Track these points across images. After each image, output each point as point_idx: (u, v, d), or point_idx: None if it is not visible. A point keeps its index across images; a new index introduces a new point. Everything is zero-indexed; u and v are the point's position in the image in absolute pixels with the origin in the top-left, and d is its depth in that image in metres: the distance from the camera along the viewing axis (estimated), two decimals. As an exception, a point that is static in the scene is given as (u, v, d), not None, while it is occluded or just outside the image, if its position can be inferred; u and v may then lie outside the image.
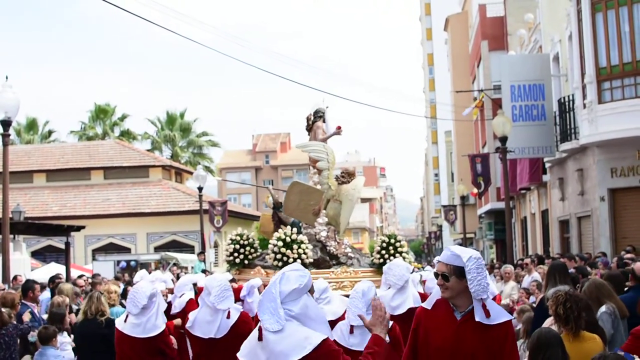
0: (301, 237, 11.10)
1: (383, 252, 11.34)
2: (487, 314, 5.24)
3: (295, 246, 10.90)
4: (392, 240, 11.50)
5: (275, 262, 10.99)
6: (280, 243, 10.98)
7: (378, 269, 11.19)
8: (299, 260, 10.72)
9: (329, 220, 11.55)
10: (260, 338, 4.91)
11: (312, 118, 12.14)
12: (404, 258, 11.12)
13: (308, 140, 12.17)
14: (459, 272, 5.28)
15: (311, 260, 10.96)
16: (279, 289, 4.92)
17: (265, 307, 4.89)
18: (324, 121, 11.98)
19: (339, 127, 11.83)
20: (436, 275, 5.46)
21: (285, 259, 10.83)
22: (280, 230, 11.27)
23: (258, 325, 5.02)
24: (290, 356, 4.78)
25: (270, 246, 11.22)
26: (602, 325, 8.11)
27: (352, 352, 7.50)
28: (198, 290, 12.35)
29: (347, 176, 11.49)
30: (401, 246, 11.47)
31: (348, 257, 11.53)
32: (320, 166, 11.69)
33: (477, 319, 5.24)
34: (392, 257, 11.16)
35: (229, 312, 8.03)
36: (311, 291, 5.18)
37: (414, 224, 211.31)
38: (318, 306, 5.32)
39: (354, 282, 10.74)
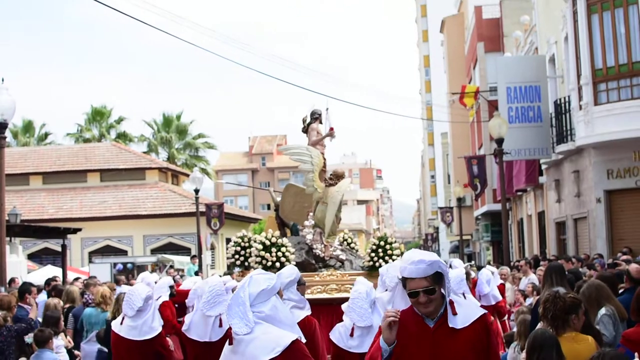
0: (283, 240, 11.07)
1: (373, 254, 11.25)
2: (454, 311, 4.90)
3: (274, 249, 10.88)
4: (382, 243, 11.37)
5: (256, 265, 11.02)
6: (260, 246, 10.99)
7: (369, 271, 11.11)
8: (277, 264, 10.73)
9: (316, 223, 11.49)
10: (230, 342, 4.88)
11: (308, 120, 12.13)
12: (393, 260, 11.02)
13: (307, 141, 12.16)
14: (439, 279, 4.88)
15: (294, 263, 10.92)
16: (248, 292, 4.89)
17: (234, 311, 4.85)
18: (320, 123, 11.96)
19: (332, 129, 11.83)
20: (414, 294, 4.88)
21: (264, 262, 10.84)
22: (262, 233, 11.27)
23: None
24: (260, 357, 4.74)
25: (252, 249, 11.24)
26: (603, 327, 8.11)
27: (350, 354, 7.50)
28: (176, 293, 12.38)
29: (334, 178, 11.46)
30: (392, 248, 11.33)
31: (338, 260, 11.41)
32: (303, 169, 11.69)
33: (450, 326, 4.89)
34: (381, 260, 11.08)
35: (220, 320, 8.01)
36: (280, 293, 5.16)
37: (411, 225, 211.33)
38: (288, 309, 5.32)
39: (340, 285, 10.71)
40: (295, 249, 11.46)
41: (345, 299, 10.57)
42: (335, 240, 11.58)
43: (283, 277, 7.48)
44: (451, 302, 4.94)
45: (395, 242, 11.53)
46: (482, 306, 11.32)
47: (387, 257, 11.14)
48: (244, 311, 4.81)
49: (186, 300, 11.50)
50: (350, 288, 10.73)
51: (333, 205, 11.21)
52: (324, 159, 11.90)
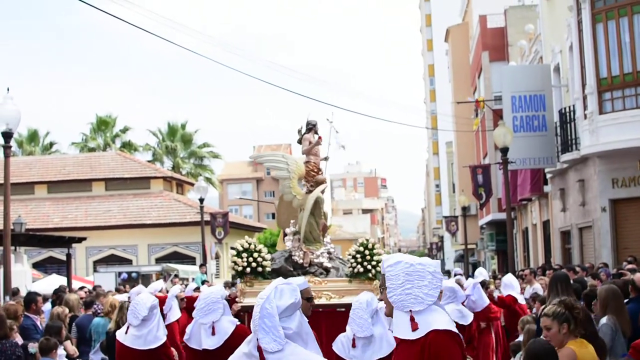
0: (258, 247, 11.04)
1: (352, 260, 11.12)
2: (415, 327, 4.52)
3: (245, 255, 10.88)
4: (362, 248, 10.99)
5: (232, 271, 11.07)
6: (234, 252, 11.02)
7: (350, 278, 10.95)
8: (248, 269, 10.74)
9: (298, 230, 11.40)
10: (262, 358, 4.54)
11: (304, 130, 12.05)
12: (374, 268, 10.82)
13: (301, 152, 12.07)
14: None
15: (269, 269, 10.89)
16: (276, 304, 4.58)
17: (261, 325, 4.52)
18: (316, 132, 11.88)
19: (320, 138, 11.76)
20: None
21: (236, 267, 10.87)
22: (239, 241, 11.26)
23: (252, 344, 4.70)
24: None
25: (230, 256, 11.30)
26: (601, 337, 8.09)
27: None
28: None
29: (315, 185, 11.35)
30: (372, 254, 11.01)
31: (322, 268, 11.23)
32: (278, 176, 11.62)
33: (394, 334, 4.64)
34: (360, 266, 10.90)
35: (213, 327, 8.00)
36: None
37: (416, 234, 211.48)
38: (308, 324, 5.02)
39: (318, 292, 10.61)
40: (278, 256, 11.40)
41: (322, 306, 10.51)
42: (321, 248, 11.37)
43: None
44: (412, 317, 4.55)
45: (375, 248, 11.09)
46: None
47: (365, 263, 10.91)
48: (273, 325, 4.50)
49: (163, 307, 11.50)
50: (329, 296, 10.64)
51: (306, 211, 11.11)
52: (319, 168, 11.76)
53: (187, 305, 12.52)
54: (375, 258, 10.84)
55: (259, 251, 10.97)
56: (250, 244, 11.02)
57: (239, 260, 10.90)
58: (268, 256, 11.05)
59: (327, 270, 11.16)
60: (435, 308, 4.60)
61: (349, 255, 11.11)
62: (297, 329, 4.67)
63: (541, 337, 7.43)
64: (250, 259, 10.86)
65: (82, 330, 12.81)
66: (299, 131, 11.95)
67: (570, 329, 6.41)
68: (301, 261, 11.13)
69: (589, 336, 6.62)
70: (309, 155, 11.68)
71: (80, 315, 13.70)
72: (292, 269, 11.09)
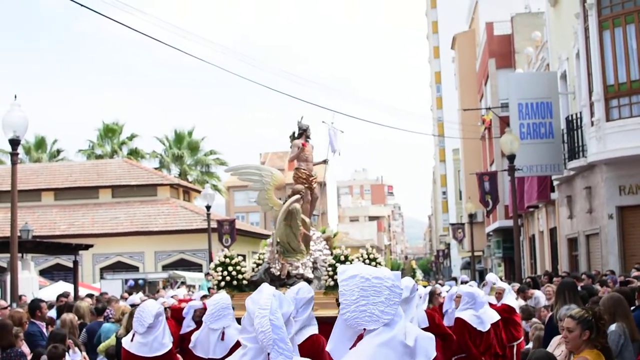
0: (234, 260, 11.05)
1: (325, 274, 10.99)
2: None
3: (220, 268, 10.96)
4: (334, 261, 10.85)
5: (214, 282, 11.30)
6: (213, 265, 11.12)
7: (326, 291, 10.84)
8: (223, 282, 10.81)
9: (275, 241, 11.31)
10: None
11: (295, 136, 11.96)
12: None
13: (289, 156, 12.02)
14: None
15: (245, 282, 10.89)
16: (281, 313, 4.42)
17: (274, 338, 4.28)
18: (307, 137, 11.79)
19: (304, 144, 11.68)
20: None
21: (212, 280, 11.06)
22: (220, 253, 11.30)
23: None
24: None
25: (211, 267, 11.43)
26: (609, 343, 8.04)
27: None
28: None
29: (292, 195, 11.29)
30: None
31: (304, 279, 11.06)
32: (252, 188, 11.59)
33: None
34: (331, 279, 10.74)
35: (222, 334, 7.98)
36: None
37: (422, 242, 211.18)
38: None
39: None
40: (262, 267, 11.36)
41: None
42: (303, 258, 11.22)
43: (300, 294, 7.34)
44: (360, 336, 4.16)
45: (349, 260, 10.90)
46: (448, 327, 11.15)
47: (337, 277, 10.73)
48: (281, 338, 4.30)
49: None
50: None
51: (278, 222, 10.99)
52: (309, 174, 11.65)
53: (173, 314, 12.48)
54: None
55: (235, 264, 10.98)
56: (226, 258, 11.07)
57: (215, 273, 10.98)
58: (245, 269, 11.07)
59: (309, 282, 11.02)
60: (383, 329, 4.12)
61: (325, 267, 11.08)
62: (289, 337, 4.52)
63: (556, 337, 7.39)
64: (225, 272, 10.92)
65: (92, 336, 12.79)
66: (291, 136, 11.88)
67: (590, 337, 6.39)
68: (278, 273, 11.03)
69: (605, 349, 6.58)
70: (299, 161, 11.60)
71: (89, 322, 13.67)
72: (269, 281, 11.02)
